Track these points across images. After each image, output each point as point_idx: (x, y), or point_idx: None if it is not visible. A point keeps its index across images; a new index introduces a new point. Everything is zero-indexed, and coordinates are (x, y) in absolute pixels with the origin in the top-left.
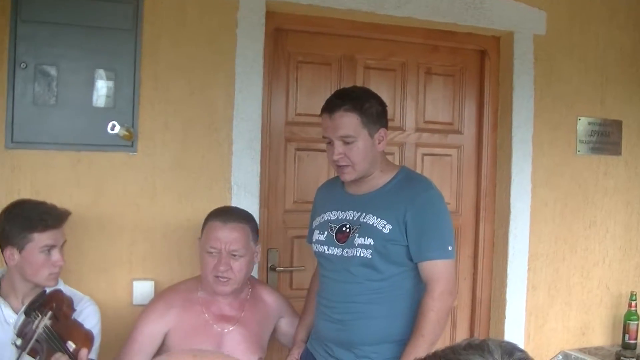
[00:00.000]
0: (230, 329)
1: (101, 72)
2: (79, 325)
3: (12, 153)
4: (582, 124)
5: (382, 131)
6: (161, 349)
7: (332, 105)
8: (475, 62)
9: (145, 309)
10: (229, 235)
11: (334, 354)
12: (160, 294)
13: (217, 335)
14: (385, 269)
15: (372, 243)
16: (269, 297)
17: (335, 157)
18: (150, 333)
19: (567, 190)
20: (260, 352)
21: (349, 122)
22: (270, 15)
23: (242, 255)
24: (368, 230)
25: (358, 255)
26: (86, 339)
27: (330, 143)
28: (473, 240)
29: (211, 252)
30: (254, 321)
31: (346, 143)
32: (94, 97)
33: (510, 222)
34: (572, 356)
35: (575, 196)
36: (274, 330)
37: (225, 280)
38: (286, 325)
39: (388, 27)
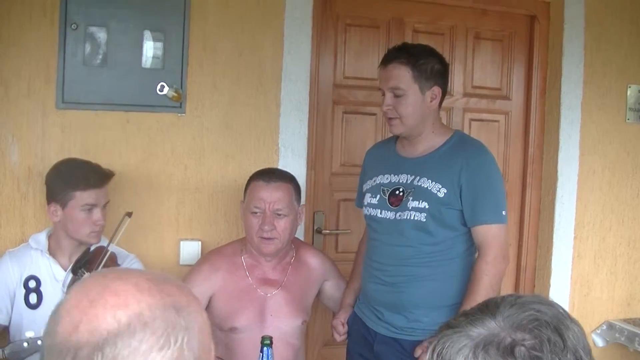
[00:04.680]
0: (274, 292)
1: (150, 32)
2: None
3: (62, 113)
4: (633, 92)
5: (435, 89)
6: (208, 312)
7: (388, 56)
8: (525, 27)
9: (191, 271)
10: (272, 194)
11: (384, 318)
12: (206, 256)
13: (261, 299)
14: (438, 233)
15: (426, 206)
16: (314, 260)
17: (384, 109)
18: (196, 294)
19: (616, 158)
20: (303, 315)
21: (400, 74)
22: None
23: (286, 215)
24: (422, 194)
25: (412, 218)
26: None
27: (383, 94)
28: (519, 207)
29: (255, 212)
30: (297, 285)
31: (396, 95)
32: (143, 58)
33: (557, 190)
34: (617, 326)
35: (623, 165)
36: (319, 293)
37: (270, 240)
38: (331, 288)
39: None
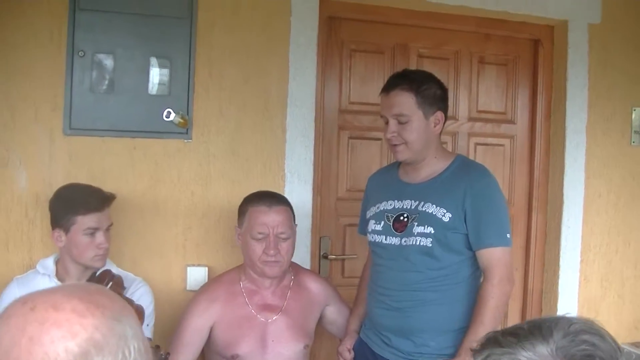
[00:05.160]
0: (274, 318)
1: (156, 59)
2: (129, 302)
3: (69, 139)
4: (637, 115)
5: (438, 114)
6: (209, 341)
7: (390, 84)
8: (529, 51)
9: (189, 303)
10: (275, 219)
11: (391, 343)
12: (204, 287)
13: (261, 325)
14: (444, 258)
15: (432, 231)
16: (313, 285)
17: (389, 135)
18: (195, 327)
19: (621, 181)
20: (306, 339)
21: (404, 101)
22: (323, 3)
23: (289, 237)
24: (427, 219)
25: (417, 243)
26: (136, 313)
27: (386, 122)
28: (525, 231)
29: (259, 238)
30: (297, 309)
31: (400, 122)
32: (150, 85)
33: (563, 213)
34: (625, 350)
35: (629, 187)
36: (321, 318)
37: (275, 262)
38: (333, 314)
39: (441, 16)
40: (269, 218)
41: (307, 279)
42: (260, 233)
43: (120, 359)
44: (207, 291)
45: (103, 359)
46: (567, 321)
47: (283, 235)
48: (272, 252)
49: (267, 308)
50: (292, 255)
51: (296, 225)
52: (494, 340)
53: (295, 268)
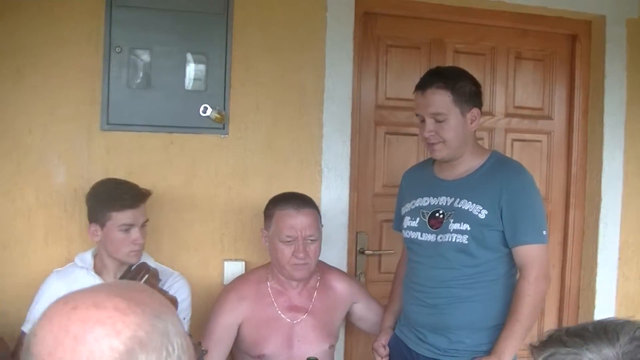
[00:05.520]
0: (300, 319)
1: (193, 55)
2: (162, 293)
3: (107, 135)
4: None
5: (474, 111)
6: (236, 340)
7: (425, 82)
8: (566, 47)
9: (217, 300)
10: (303, 222)
11: (426, 339)
12: (232, 285)
13: (288, 325)
14: (480, 255)
15: (468, 228)
16: (339, 284)
17: (426, 134)
18: (224, 324)
19: None
20: (331, 340)
21: (440, 99)
22: None
23: (317, 239)
24: (463, 216)
25: (453, 240)
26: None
27: (422, 121)
28: (562, 227)
29: (287, 241)
30: (323, 310)
31: (437, 121)
32: (186, 80)
33: (601, 210)
34: None
35: None
36: (350, 315)
37: (303, 265)
38: (361, 310)
39: (477, 11)
40: (297, 221)
41: (333, 278)
42: (288, 237)
43: (164, 356)
44: (236, 289)
45: (147, 356)
46: (632, 326)
47: (311, 238)
48: (301, 255)
49: (293, 309)
50: (319, 256)
51: (322, 225)
52: (558, 340)
53: (321, 267)
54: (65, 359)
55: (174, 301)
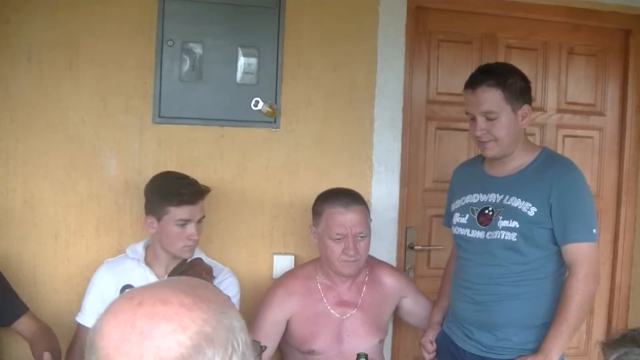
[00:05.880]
0: (350, 314)
1: (244, 49)
2: None
3: (159, 128)
4: None
5: (525, 107)
6: (285, 335)
7: (475, 80)
8: (619, 42)
9: (266, 295)
10: (353, 219)
11: (473, 336)
12: (280, 280)
13: (337, 321)
14: (529, 252)
15: (517, 226)
16: (388, 279)
17: (478, 133)
18: (273, 319)
19: None
20: (380, 334)
21: (491, 97)
22: None
23: (366, 236)
24: (512, 213)
25: (502, 238)
26: None
27: (473, 119)
28: (613, 225)
29: (337, 239)
30: (372, 304)
31: (489, 119)
32: (238, 74)
33: None
34: None
35: None
36: (398, 310)
37: (353, 261)
38: (409, 305)
39: (530, 6)
40: (346, 219)
41: (382, 272)
42: (338, 234)
43: (230, 352)
44: (284, 284)
45: (214, 351)
46: None
47: (361, 235)
48: (351, 252)
49: (342, 304)
50: (368, 251)
51: (371, 220)
52: (632, 340)
53: (370, 262)
54: (131, 354)
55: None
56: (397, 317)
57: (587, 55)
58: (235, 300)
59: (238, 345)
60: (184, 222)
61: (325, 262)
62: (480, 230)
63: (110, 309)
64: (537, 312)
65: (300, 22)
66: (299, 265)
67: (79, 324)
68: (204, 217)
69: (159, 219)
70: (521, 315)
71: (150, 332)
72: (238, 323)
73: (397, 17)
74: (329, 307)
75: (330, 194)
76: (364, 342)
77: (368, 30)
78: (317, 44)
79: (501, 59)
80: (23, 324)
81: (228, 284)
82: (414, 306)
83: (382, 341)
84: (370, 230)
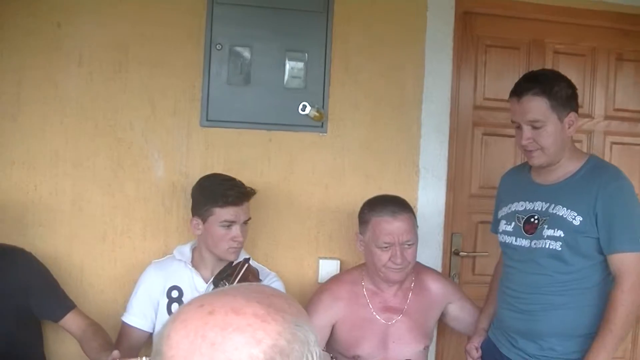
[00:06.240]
0: (396, 320)
1: (292, 53)
2: None
3: (206, 131)
4: None
5: (572, 115)
6: (330, 340)
7: (521, 88)
8: None
9: (311, 300)
10: (400, 227)
11: (517, 345)
12: (326, 285)
13: (383, 327)
14: (574, 262)
15: (561, 235)
16: (434, 285)
17: (524, 142)
18: (319, 324)
19: None
20: (426, 341)
21: (537, 106)
22: None
23: (414, 243)
24: (557, 222)
25: (547, 247)
26: None
27: (518, 127)
28: None
29: (384, 247)
30: (418, 310)
31: (535, 127)
32: (285, 78)
33: None
34: None
35: None
36: (444, 316)
37: (399, 268)
38: (455, 310)
39: (578, 11)
40: (393, 227)
41: (428, 278)
42: (386, 243)
43: None
44: (330, 289)
45: None
46: None
47: (409, 243)
48: (399, 260)
49: (388, 310)
50: (415, 258)
51: (417, 227)
52: None
53: (416, 268)
54: None
55: None
56: (441, 323)
57: (636, 61)
58: None
59: (312, 358)
60: (229, 224)
61: (372, 269)
62: (525, 239)
63: (179, 316)
64: (581, 322)
65: (348, 26)
66: (344, 271)
67: (124, 323)
68: (249, 219)
69: (204, 220)
70: (566, 325)
71: (222, 343)
72: (313, 336)
73: (445, 22)
74: (374, 313)
75: (377, 202)
76: (409, 348)
77: (416, 35)
78: (364, 48)
79: (549, 65)
80: (71, 320)
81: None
82: (459, 312)
83: (427, 347)
84: (417, 237)
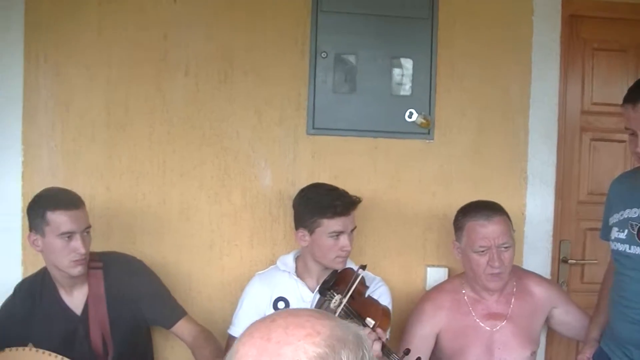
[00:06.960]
0: (500, 326)
1: (398, 60)
2: (374, 302)
3: (312, 139)
4: None
5: None
6: (434, 349)
7: (636, 95)
8: None
9: (414, 311)
10: (495, 230)
11: (632, 356)
12: (427, 295)
13: (487, 334)
14: None
15: None
16: (537, 288)
17: (639, 150)
18: (422, 335)
19: None
20: (533, 346)
21: None
22: (566, 1)
23: (510, 246)
24: None
25: None
26: (384, 315)
27: (632, 134)
28: None
29: (481, 252)
30: (522, 315)
31: None
32: (392, 85)
33: None
34: None
35: None
36: (549, 320)
37: (498, 275)
38: (560, 315)
39: None
40: (489, 230)
41: (530, 282)
42: (482, 247)
43: (360, 357)
44: (432, 299)
45: (348, 353)
46: None
47: (505, 245)
48: (496, 264)
49: (491, 317)
50: (512, 262)
51: (514, 231)
52: None
53: (516, 272)
54: None
55: (387, 312)
56: (550, 331)
57: None
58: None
59: (367, 350)
60: (338, 234)
61: (471, 276)
62: (639, 247)
63: (246, 332)
64: None
65: (453, 33)
66: (445, 280)
67: (230, 336)
68: (355, 227)
69: (311, 232)
70: None
71: (286, 339)
72: (364, 337)
73: (551, 26)
74: (477, 320)
75: (470, 207)
76: (515, 354)
77: (522, 39)
78: (469, 54)
79: None
80: (183, 326)
81: (380, 293)
82: (565, 316)
83: (534, 353)
84: (514, 241)
